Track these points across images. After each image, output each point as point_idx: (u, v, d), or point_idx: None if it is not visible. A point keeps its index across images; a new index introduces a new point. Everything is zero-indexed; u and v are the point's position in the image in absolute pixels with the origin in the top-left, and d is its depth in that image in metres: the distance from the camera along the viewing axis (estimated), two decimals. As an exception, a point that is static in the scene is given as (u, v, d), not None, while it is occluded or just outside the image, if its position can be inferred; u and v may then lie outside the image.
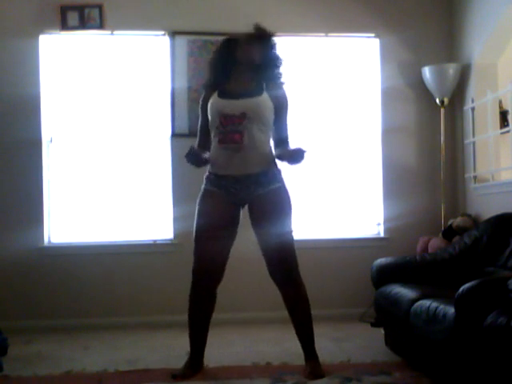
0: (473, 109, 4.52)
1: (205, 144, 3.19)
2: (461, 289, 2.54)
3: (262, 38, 3.15)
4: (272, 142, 3.20)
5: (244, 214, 3.17)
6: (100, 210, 4.66)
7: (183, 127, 4.58)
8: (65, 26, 4.51)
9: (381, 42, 4.80)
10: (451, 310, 2.60)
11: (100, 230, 4.65)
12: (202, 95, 3.24)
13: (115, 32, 4.63)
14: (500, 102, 4.60)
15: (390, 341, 3.55)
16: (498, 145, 4.41)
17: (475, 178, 4.51)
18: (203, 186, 3.17)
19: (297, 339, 3.19)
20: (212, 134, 3.14)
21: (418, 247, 4.45)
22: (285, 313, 3.18)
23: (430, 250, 4.25)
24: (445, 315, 2.65)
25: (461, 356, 2.56)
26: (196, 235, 3.12)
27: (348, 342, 3.85)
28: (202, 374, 3.14)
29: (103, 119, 4.68)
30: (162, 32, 4.65)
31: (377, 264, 3.67)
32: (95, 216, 4.66)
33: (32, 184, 4.53)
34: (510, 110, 4.45)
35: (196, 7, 4.65)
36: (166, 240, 4.65)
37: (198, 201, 3.16)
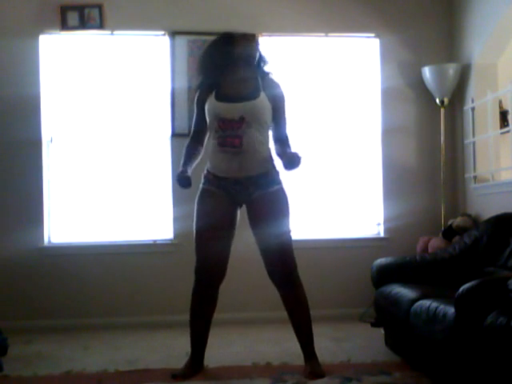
0: (473, 109, 4.52)
1: (199, 141, 3.21)
2: (461, 289, 2.54)
3: (255, 39, 3.17)
4: (272, 141, 3.19)
5: (243, 213, 3.17)
6: (100, 210, 4.66)
7: (183, 127, 4.57)
8: (65, 26, 4.51)
9: (381, 42, 4.80)
10: (451, 310, 2.60)
11: (100, 230, 4.65)
12: (197, 94, 3.21)
13: (115, 32, 4.63)
14: (500, 102, 4.60)
15: (390, 341, 3.55)
16: (498, 145, 4.42)
17: (475, 177, 4.51)
18: (202, 186, 3.16)
19: (297, 339, 3.19)
20: (211, 136, 3.14)
21: (418, 247, 4.45)
22: (285, 313, 3.18)
23: (430, 250, 4.25)
24: (445, 315, 2.65)
25: (461, 356, 2.56)
26: (197, 235, 3.11)
27: (348, 342, 3.85)
28: (202, 374, 3.14)
29: (103, 119, 4.68)
30: (162, 32, 4.65)
31: (377, 264, 3.67)
32: (95, 216, 4.66)
33: (32, 184, 4.53)
34: (510, 110, 4.45)
35: (196, 7, 4.65)
36: (165, 240, 4.65)
37: (196, 200, 3.16)
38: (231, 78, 3.13)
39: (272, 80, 3.17)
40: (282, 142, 3.16)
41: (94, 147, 4.68)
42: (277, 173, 3.14)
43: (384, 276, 3.58)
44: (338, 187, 4.82)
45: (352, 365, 3.26)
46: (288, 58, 4.72)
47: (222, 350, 3.58)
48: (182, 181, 3.02)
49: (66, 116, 4.67)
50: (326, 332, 4.02)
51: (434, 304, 2.81)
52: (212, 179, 3.12)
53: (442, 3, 4.85)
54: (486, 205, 4.28)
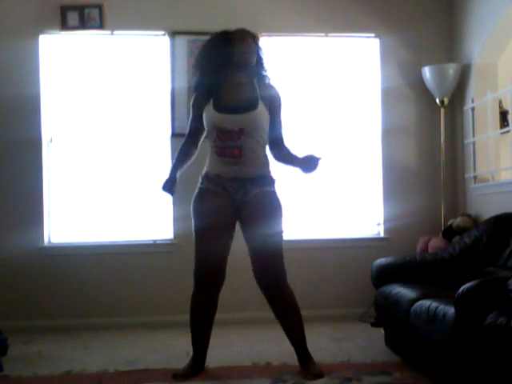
0: (473, 109, 4.52)
1: (193, 142, 3.20)
2: (461, 289, 2.55)
3: (254, 38, 3.12)
4: (268, 145, 3.18)
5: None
6: (100, 210, 4.66)
7: (183, 127, 4.52)
8: (65, 26, 4.51)
9: (381, 42, 4.80)
10: (451, 310, 2.60)
11: (100, 230, 4.65)
12: (194, 96, 3.19)
13: (115, 32, 4.63)
14: (500, 102, 4.60)
15: (390, 341, 3.55)
16: (498, 145, 4.41)
17: (475, 177, 4.51)
18: (200, 186, 3.15)
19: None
20: (209, 142, 3.13)
21: (418, 247, 4.45)
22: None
23: (430, 250, 4.25)
24: (445, 315, 2.65)
25: (461, 356, 2.56)
26: (198, 236, 3.09)
27: (348, 342, 3.85)
28: (203, 374, 3.13)
29: (103, 119, 4.68)
30: (162, 32, 4.65)
31: (377, 264, 3.67)
32: (95, 216, 4.66)
33: (32, 184, 4.53)
34: (510, 110, 4.45)
35: (196, 7, 4.65)
36: (165, 240, 4.65)
37: (194, 200, 3.15)
38: (228, 82, 3.09)
39: (268, 85, 3.15)
40: (278, 143, 3.16)
41: (94, 147, 4.68)
42: (273, 180, 3.14)
43: (384, 276, 3.58)
44: (338, 187, 4.82)
45: (352, 365, 3.26)
46: (288, 58, 4.72)
47: (222, 350, 3.58)
48: (165, 185, 3.04)
49: (66, 116, 4.67)
50: (326, 332, 4.03)
51: (434, 304, 2.81)
52: (211, 177, 3.10)
53: (442, 3, 4.85)
54: (486, 205, 4.28)
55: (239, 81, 3.10)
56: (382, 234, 4.80)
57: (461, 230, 4.20)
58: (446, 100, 4.62)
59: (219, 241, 3.08)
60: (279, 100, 3.15)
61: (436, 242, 4.29)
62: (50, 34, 4.58)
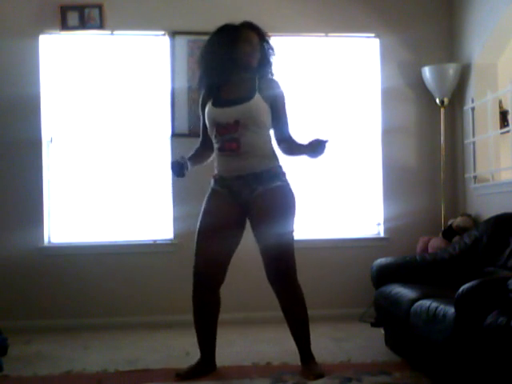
0: (473, 109, 4.52)
1: (206, 144, 3.20)
2: (461, 289, 2.54)
3: (260, 36, 3.10)
4: (275, 141, 3.17)
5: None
6: (100, 210, 4.66)
7: (183, 127, 4.58)
8: (65, 26, 4.51)
9: (381, 42, 4.80)
10: (451, 310, 2.60)
11: (100, 230, 4.65)
12: (201, 95, 3.21)
13: (115, 32, 4.63)
14: (500, 102, 4.60)
15: (390, 341, 3.55)
16: (498, 145, 4.41)
17: (475, 177, 4.51)
18: (210, 186, 3.16)
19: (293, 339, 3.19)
20: (212, 142, 3.14)
21: (418, 247, 4.45)
22: (285, 313, 3.17)
23: (430, 250, 4.25)
24: (445, 315, 2.65)
25: (461, 356, 2.56)
26: (198, 235, 3.09)
27: (348, 341, 3.85)
28: (211, 374, 3.12)
29: (103, 119, 4.68)
30: (162, 32, 4.65)
31: (377, 264, 3.67)
32: (95, 216, 4.66)
33: (32, 184, 4.53)
34: (510, 110, 4.46)
35: (196, 7, 4.65)
36: (165, 240, 4.65)
37: (204, 201, 3.15)
38: (231, 80, 3.10)
39: (270, 80, 3.14)
40: (286, 140, 3.14)
41: (94, 147, 4.68)
42: (282, 172, 3.11)
43: (384, 276, 3.58)
44: (338, 187, 4.82)
45: (352, 365, 3.26)
46: (288, 58, 4.72)
47: (222, 349, 3.57)
48: (174, 165, 2.99)
49: (66, 116, 4.67)
50: (326, 332, 4.03)
51: (434, 304, 2.81)
52: (218, 179, 3.12)
53: (442, 3, 4.85)
54: (486, 205, 4.28)
55: (241, 78, 3.11)
56: (382, 234, 4.80)
57: (461, 230, 4.20)
58: (445, 100, 4.62)
59: (219, 241, 3.06)
60: (283, 97, 3.14)
61: (436, 242, 4.29)
62: (50, 33, 4.58)
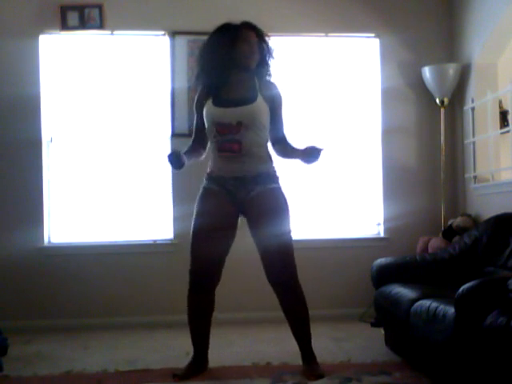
0: (473, 109, 4.52)
1: (199, 142, 3.19)
2: (461, 289, 2.55)
3: (259, 37, 3.10)
4: (269, 141, 3.17)
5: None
6: (100, 210, 4.66)
7: (183, 127, 4.57)
8: (65, 26, 4.51)
9: (381, 42, 4.80)
10: (451, 310, 2.60)
11: (100, 230, 4.65)
12: (197, 94, 3.20)
13: (115, 32, 4.63)
14: (500, 102, 4.60)
15: (390, 341, 3.55)
16: (498, 145, 4.41)
17: (475, 177, 4.51)
18: (203, 185, 3.15)
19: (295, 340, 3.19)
20: (210, 140, 3.13)
21: (418, 247, 4.45)
22: (285, 313, 3.17)
23: (430, 250, 4.25)
24: (445, 315, 2.65)
25: (461, 356, 2.56)
26: (193, 234, 3.10)
27: (348, 341, 3.85)
28: (204, 374, 3.13)
29: (103, 119, 4.68)
30: (162, 32, 4.65)
31: (377, 264, 3.67)
32: (95, 216, 4.66)
33: (32, 184, 4.53)
34: (510, 110, 4.45)
35: (196, 7, 4.65)
36: (165, 240, 4.65)
37: (196, 200, 3.15)
38: (229, 80, 3.09)
39: (269, 81, 3.14)
40: (281, 142, 3.15)
41: (94, 147, 4.68)
42: (276, 176, 3.13)
43: (384, 276, 3.58)
44: (338, 187, 4.82)
45: (352, 365, 3.26)
46: (288, 58, 4.71)
47: (222, 349, 3.58)
48: (171, 157, 2.96)
49: (66, 116, 4.67)
50: (326, 332, 4.03)
51: (434, 304, 2.81)
52: (213, 178, 3.11)
53: (442, 3, 4.85)
54: (486, 205, 4.28)
55: (240, 78, 3.10)
56: (382, 234, 4.80)
57: (461, 230, 4.20)
58: (445, 100, 4.62)
59: (215, 241, 3.06)
60: (280, 98, 3.15)
61: (436, 242, 4.29)
62: (50, 33, 4.58)
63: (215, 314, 3.21)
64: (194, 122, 3.23)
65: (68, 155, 4.67)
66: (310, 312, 3.14)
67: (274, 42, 3.21)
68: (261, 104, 3.05)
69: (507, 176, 4.31)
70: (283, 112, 3.17)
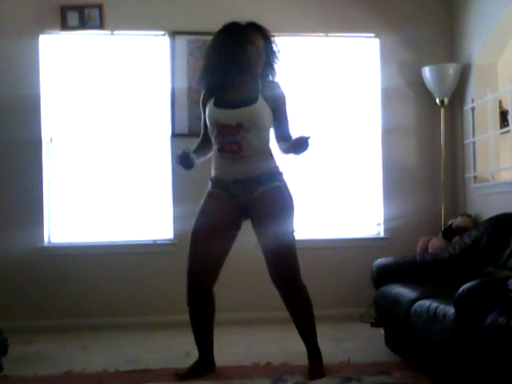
0: (473, 109, 4.52)
1: (205, 142, 3.19)
2: (461, 289, 2.55)
3: (265, 39, 3.09)
4: (275, 140, 3.17)
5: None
6: (100, 210, 4.66)
7: (183, 127, 4.58)
8: (65, 26, 4.52)
9: (381, 42, 4.80)
10: (451, 310, 2.60)
11: (100, 230, 4.65)
12: (202, 94, 3.21)
13: (115, 32, 4.63)
14: (500, 102, 4.60)
15: (390, 341, 3.55)
16: (498, 145, 4.41)
17: (475, 178, 4.51)
18: (207, 189, 3.16)
19: (297, 339, 3.19)
20: (212, 141, 3.14)
21: (418, 247, 4.45)
22: (285, 313, 3.17)
23: (430, 250, 4.25)
24: (445, 315, 2.65)
25: (461, 356, 2.56)
26: (192, 234, 3.10)
27: (348, 341, 3.85)
28: (212, 373, 3.12)
29: (103, 119, 4.68)
30: (162, 32, 4.65)
31: (377, 264, 3.67)
32: (95, 216, 4.66)
33: (32, 184, 4.53)
34: (509, 110, 4.45)
35: (196, 7, 4.65)
36: (165, 240, 4.65)
37: (201, 202, 3.15)
38: (233, 81, 3.09)
39: (272, 81, 3.14)
40: (287, 140, 3.13)
41: (94, 147, 4.68)
42: (279, 172, 3.12)
43: (384, 276, 3.59)
44: (338, 187, 4.82)
45: (352, 365, 3.26)
46: (288, 58, 4.71)
47: (222, 349, 3.57)
48: (181, 158, 2.95)
49: (66, 116, 4.67)
50: (326, 332, 4.02)
51: (434, 304, 2.81)
52: (215, 182, 3.11)
53: (442, 3, 4.85)
54: (486, 205, 4.28)
55: (243, 79, 3.10)
56: (382, 234, 4.80)
57: (461, 230, 4.20)
58: (445, 100, 4.62)
59: (213, 242, 3.05)
60: (284, 97, 3.14)
61: (436, 242, 4.29)
62: (50, 33, 4.58)
63: (216, 314, 3.20)
64: (202, 121, 3.24)
65: (68, 155, 4.67)
66: (311, 312, 3.15)
67: (277, 42, 3.20)
68: (261, 105, 3.04)
69: (507, 176, 4.31)
70: (287, 111, 3.16)
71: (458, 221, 4.34)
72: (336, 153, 4.82)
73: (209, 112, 3.09)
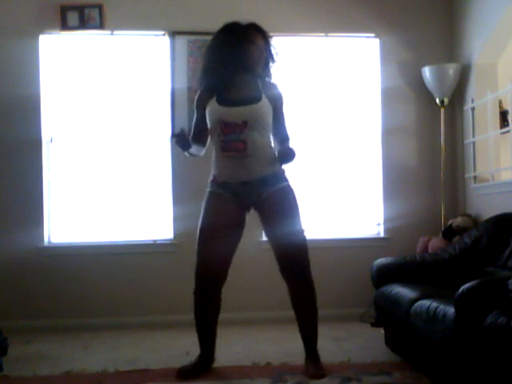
0: (473, 109, 4.52)
1: (197, 141, 3.18)
2: (461, 289, 2.55)
3: (265, 40, 3.11)
4: (273, 140, 3.20)
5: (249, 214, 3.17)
6: (100, 210, 4.66)
7: (183, 127, 4.57)
8: (65, 26, 4.51)
9: (381, 42, 4.79)
10: (451, 310, 2.60)
11: (100, 230, 4.65)
12: (198, 93, 3.20)
13: (115, 32, 4.63)
14: (500, 102, 4.60)
15: (390, 341, 3.55)
16: (498, 145, 4.42)
17: (475, 177, 4.51)
18: (208, 189, 3.15)
19: (297, 339, 3.20)
20: (213, 141, 3.13)
21: (418, 247, 4.45)
22: (285, 313, 3.18)
23: (430, 250, 4.25)
24: (445, 315, 2.65)
25: (461, 356, 2.56)
26: (199, 236, 3.10)
27: (348, 341, 3.85)
28: (204, 374, 3.13)
29: (103, 119, 4.68)
30: (162, 32, 4.65)
31: (377, 264, 3.67)
32: (95, 216, 4.66)
33: (32, 184, 4.52)
34: (509, 110, 4.45)
35: (196, 7, 4.65)
36: (165, 240, 4.65)
37: (203, 203, 3.14)
38: (234, 80, 3.10)
39: (270, 82, 3.16)
40: (283, 140, 3.16)
41: (94, 147, 4.68)
42: (282, 171, 3.14)
43: (384, 276, 3.58)
44: (338, 187, 4.82)
45: (352, 365, 3.26)
46: (288, 58, 4.71)
47: (222, 350, 3.57)
48: (179, 136, 2.96)
49: (66, 116, 4.67)
50: (326, 332, 4.02)
51: (434, 304, 2.81)
52: (219, 183, 3.10)
53: (442, 3, 4.85)
54: (486, 205, 4.28)
55: (244, 79, 3.11)
56: (382, 234, 4.80)
57: (461, 230, 4.20)
58: (445, 100, 4.62)
59: (221, 242, 3.07)
60: (282, 98, 3.17)
61: (436, 242, 4.29)
62: (50, 33, 4.58)
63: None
64: (194, 121, 3.23)
65: (68, 155, 4.67)
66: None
67: (277, 42, 3.21)
68: (265, 104, 3.07)
69: (507, 176, 4.31)
70: (284, 112, 3.19)
71: (458, 221, 4.34)
72: (336, 153, 4.82)
73: (211, 110, 3.08)
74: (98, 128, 4.68)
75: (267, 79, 3.17)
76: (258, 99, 3.06)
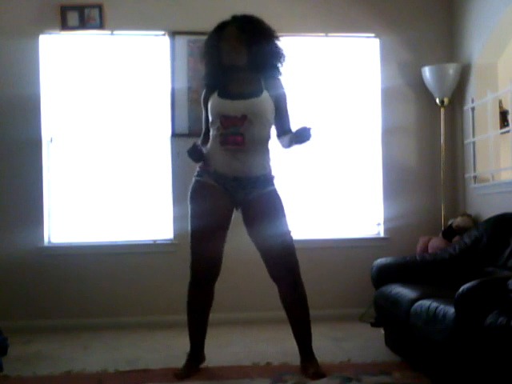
0: (473, 109, 4.52)
1: (208, 140, 3.19)
2: (461, 289, 2.55)
3: (249, 32, 3.10)
4: (276, 137, 3.22)
5: (238, 214, 3.17)
6: (100, 210, 4.66)
7: (183, 127, 4.58)
8: (65, 26, 4.51)
9: (381, 42, 4.79)
10: (451, 310, 2.60)
11: (100, 230, 4.65)
12: (203, 92, 3.23)
13: (115, 32, 4.63)
14: (500, 102, 4.60)
15: (390, 341, 3.55)
16: (498, 145, 4.42)
17: (475, 177, 4.51)
18: (197, 178, 3.14)
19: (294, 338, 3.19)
20: (212, 133, 3.14)
21: (418, 247, 4.45)
22: (285, 313, 3.17)
23: (430, 250, 4.25)
24: (445, 315, 2.65)
25: (461, 356, 2.56)
26: (192, 233, 3.13)
27: (348, 341, 3.85)
28: (203, 374, 3.13)
29: (103, 119, 4.68)
30: (162, 32, 4.65)
31: (377, 264, 3.67)
32: (95, 216, 4.66)
33: (32, 184, 4.52)
34: (509, 110, 4.45)
35: (196, 7, 4.65)
36: (165, 240, 4.65)
37: (191, 193, 3.15)
38: (232, 78, 3.12)
39: (273, 78, 3.16)
40: (287, 134, 3.16)
41: (94, 147, 4.68)
42: (273, 177, 3.16)
43: (384, 276, 3.58)
44: (338, 187, 4.82)
45: (352, 365, 3.26)
46: (288, 58, 4.70)
47: (222, 350, 3.58)
48: (192, 152, 3.01)
49: (66, 116, 4.67)
50: (326, 332, 4.02)
51: (434, 304, 2.81)
52: (212, 173, 3.09)
53: (442, 3, 4.85)
54: (486, 205, 4.28)
55: (242, 76, 3.12)
56: (382, 234, 4.80)
57: (461, 230, 4.20)
58: (445, 100, 4.62)
59: (214, 239, 3.10)
60: (285, 96, 3.19)
61: (436, 242, 4.29)
62: (50, 33, 4.58)
63: (216, 314, 3.21)
64: (203, 120, 3.26)
65: (68, 155, 4.67)
66: (310, 312, 3.15)
67: (282, 40, 3.22)
68: (266, 99, 3.09)
69: (507, 176, 4.31)
70: (288, 108, 3.21)
71: (457, 221, 4.34)
72: (336, 153, 4.82)
73: (213, 103, 3.11)
74: (98, 128, 4.68)
75: (271, 75, 3.15)
76: (258, 93, 3.07)
